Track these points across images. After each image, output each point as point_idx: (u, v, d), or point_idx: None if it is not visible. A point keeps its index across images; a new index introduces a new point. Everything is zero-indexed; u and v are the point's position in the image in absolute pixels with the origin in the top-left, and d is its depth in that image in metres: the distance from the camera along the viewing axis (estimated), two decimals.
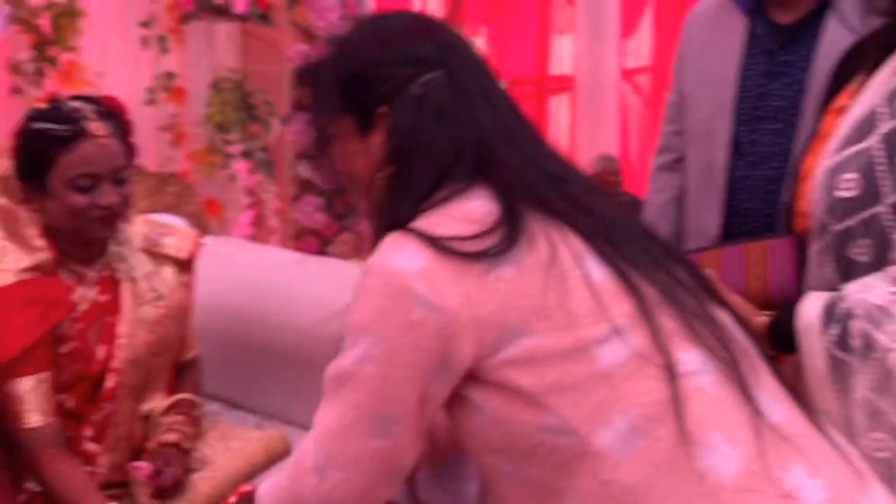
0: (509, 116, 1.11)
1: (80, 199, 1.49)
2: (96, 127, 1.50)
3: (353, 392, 1.01)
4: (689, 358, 0.98)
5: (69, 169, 1.47)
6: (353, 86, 1.10)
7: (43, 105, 1.55)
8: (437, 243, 0.98)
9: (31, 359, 1.48)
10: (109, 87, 2.62)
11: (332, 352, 2.00)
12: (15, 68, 2.26)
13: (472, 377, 1.01)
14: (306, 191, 3.26)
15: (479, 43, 5.51)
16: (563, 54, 6.20)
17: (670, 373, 0.95)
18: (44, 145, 1.48)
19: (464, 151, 1.05)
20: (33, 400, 1.47)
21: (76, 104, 1.53)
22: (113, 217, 1.54)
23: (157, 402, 1.70)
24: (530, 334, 0.97)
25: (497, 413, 1.00)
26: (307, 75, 1.17)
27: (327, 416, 1.05)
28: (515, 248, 0.99)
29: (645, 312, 0.99)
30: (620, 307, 0.99)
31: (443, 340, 0.97)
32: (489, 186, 1.05)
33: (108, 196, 1.51)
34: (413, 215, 1.04)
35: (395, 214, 1.06)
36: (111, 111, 1.57)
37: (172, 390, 1.74)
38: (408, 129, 1.06)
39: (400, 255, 0.99)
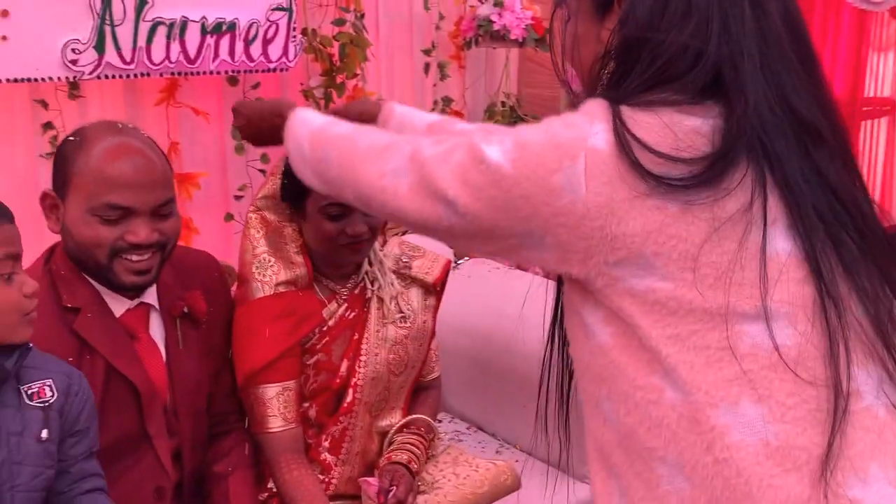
0: (781, 35, 0.90)
1: (330, 227, 1.57)
2: None
3: (470, 166, 0.92)
4: (864, 376, 0.85)
5: (322, 198, 1.56)
6: None
7: None
8: (626, 142, 0.86)
9: (279, 367, 1.58)
10: None
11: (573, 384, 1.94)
12: (306, 94, 2.47)
13: (587, 291, 0.91)
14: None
15: None
16: (884, 74, 5.53)
17: (835, 384, 0.82)
18: None
19: (702, 65, 0.88)
20: (277, 406, 1.57)
21: None
22: (360, 245, 1.60)
23: (393, 420, 1.74)
24: (663, 278, 0.85)
25: (606, 342, 0.90)
26: None
27: (437, 154, 0.95)
28: (701, 191, 0.84)
29: (825, 308, 0.84)
30: (792, 291, 0.84)
31: (557, 222, 0.87)
32: (717, 109, 0.88)
33: (356, 226, 1.57)
34: (631, 97, 0.90)
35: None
36: None
37: (409, 409, 1.78)
38: (644, 21, 0.90)
39: (596, 123, 0.87)
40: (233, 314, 1.62)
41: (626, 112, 0.88)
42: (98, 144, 1.34)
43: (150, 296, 1.46)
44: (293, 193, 1.60)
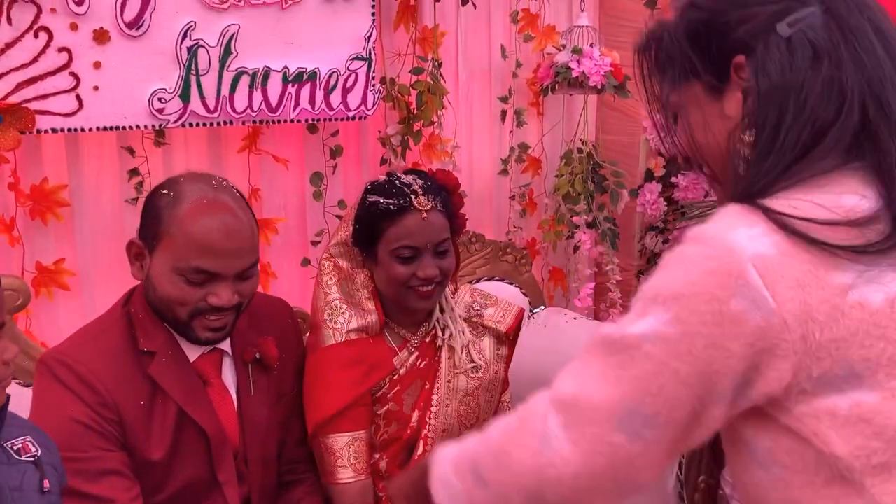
0: None
1: (401, 270, 1.56)
2: (421, 202, 1.56)
3: (619, 366, 0.82)
4: None
5: (393, 241, 1.55)
6: (703, 36, 0.92)
7: (380, 178, 1.66)
8: (792, 227, 0.77)
9: (349, 416, 1.56)
10: (466, 158, 2.78)
11: None
12: (383, 141, 2.49)
13: (768, 418, 0.80)
14: (653, 264, 3.12)
15: None
16: None
17: None
18: (374, 218, 1.58)
19: (849, 105, 0.83)
20: (347, 456, 1.55)
21: (408, 179, 1.61)
22: (430, 292, 1.58)
23: None
24: (872, 388, 0.75)
25: (777, 460, 0.79)
26: (650, 38, 1.00)
27: (577, 379, 0.87)
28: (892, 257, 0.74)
29: None
30: None
31: (755, 350, 0.76)
32: (869, 164, 0.81)
33: (427, 268, 1.56)
34: (770, 188, 0.83)
35: (750, 184, 0.85)
36: (442, 186, 1.63)
37: None
38: (774, 79, 0.85)
39: (742, 230, 0.79)
40: (304, 361, 1.62)
41: (773, 202, 0.80)
42: (190, 204, 1.35)
43: (224, 342, 1.47)
44: (365, 238, 1.60)
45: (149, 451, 1.36)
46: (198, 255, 1.32)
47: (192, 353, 1.43)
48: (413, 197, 1.57)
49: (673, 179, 3.08)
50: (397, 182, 1.61)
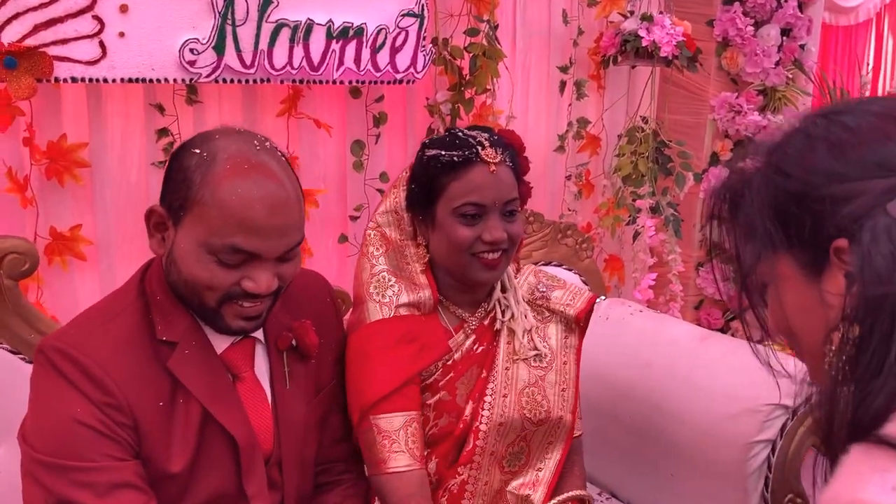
0: None
1: (464, 232, 1.34)
2: (489, 154, 1.35)
3: None
4: None
5: (457, 197, 1.34)
6: (796, 210, 0.76)
7: (439, 134, 1.45)
8: None
9: (405, 394, 1.34)
10: (520, 131, 2.54)
11: (735, 458, 1.63)
12: (431, 109, 2.27)
13: None
14: (715, 255, 2.88)
15: None
16: None
17: None
18: (434, 171, 1.36)
19: None
20: (403, 439, 1.32)
21: (472, 132, 1.39)
22: (496, 261, 1.37)
23: (530, 483, 1.48)
24: None
25: None
26: (727, 191, 0.84)
27: None
28: None
29: None
30: None
31: None
32: None
33: (494, 231, 1.34)
34: (887, 411, 0.67)
35: (862, 405, 0.69)
36: (509, 143, 1.41)
37: (560, 476, 1.50)
38: (885, 276, 0.69)
39: (875, 482, 0.63)
40: (343, 345, 1.41)
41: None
42: (228, 168, 1.10)
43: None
44: (422, 198, 1.38)
45: (168, 462, 1.14)
46: (236, 232, 1.08)
47: (220, 342, 1.20)
48: (480, 148, 1.35)
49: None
50: (460, 134, 1.40)
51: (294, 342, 1.28)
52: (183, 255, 1.11)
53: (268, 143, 1.17)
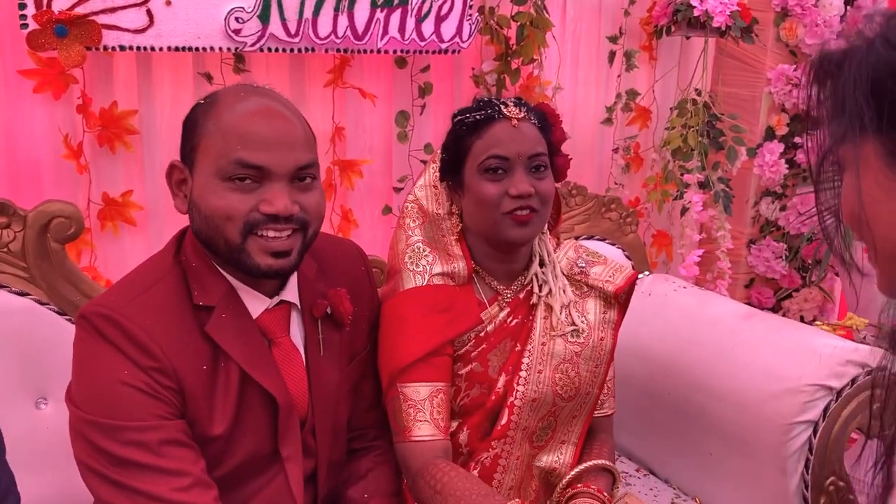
0: None
1: (490, 188, 1.34)
2: (511, 111, 1.36)
3: None
4: None
5: (481, 153, 1.34)
6: (889, 90, 0.70)
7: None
8: None
9: (433, 364, 1.35)
10: (572, 103, 2.52)
11: (775, 438, 1.60)
12: (477, 80, 2.25)
13: None
14: (766, 233, 2.81)
15: None
16: None
17: None
18: (461, 133, 1.38)
19: None
20: (429, 409, 1.33)
21: (493, 99, 1.41)
22: (527, 217, 1.36)
23: (561, 458, 1.48)
24: None
25: None
26: (822, 68, 0.77)
27: None
28: None
29: None
30: None
31: None
32: None
33: (520, 184, 1.33)
34: None
35: None
36: (538, 107, 1.42)
37: (582, 451, 1.50)
38: None
39: None
40: (377, 314, 1.42)
41: None
42: (231, 102, 1.15)
43: (291, 293, 1.26)
44: (452, 165, 1.39)
45: (210, 424, 1.16)
46: (238, 146, 1.10)
47: (256, 307, 1.22)
48: (502, 106, 1.37)
49: (797, 139, 2.76)
50: (486, 98, 1.43)
51: (329, 310, 1.29)
52: (200, 192, 1.14)
53: (267, 87, 1.23)
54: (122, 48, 1.75)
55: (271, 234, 1.14)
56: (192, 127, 1.17)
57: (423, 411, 1.34)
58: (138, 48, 1.77)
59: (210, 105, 1.17)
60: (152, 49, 1.78)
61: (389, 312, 1.39)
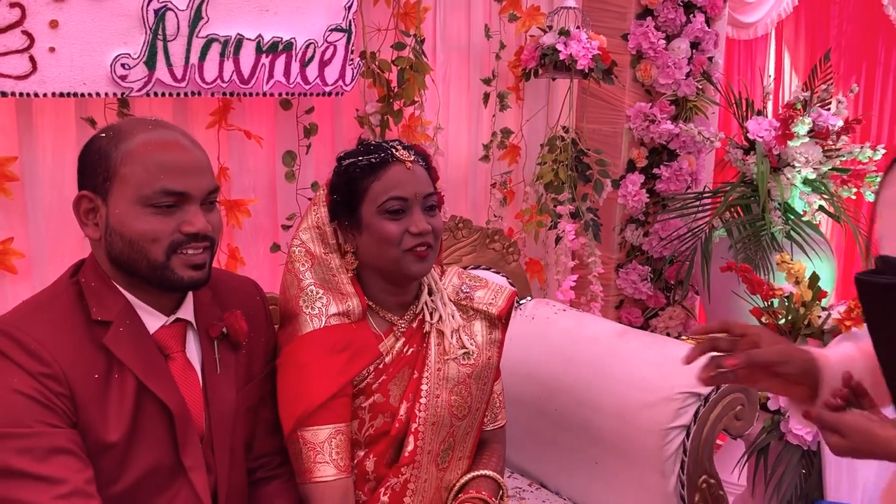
0: None
1: (392, 227, 1.43)
2: (403, 154, 1.47)
3: None
4: None
5: (380, 195, 1.43)
6: None
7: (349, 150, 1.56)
8: None
9: (331, 407, 1.42)
10: (448, 141, 2.64)
11: (653, 444, 1.75)
12: (361, 121, 2.35)
13: None
14: (632, 257, 3.03)
15: None
16: None
17: None
18: (355, 176, 1.46)
19: None
20: (328, 451, 1.40)
21: (380, 143, 1.51)
22: (425, 252, 1.46)
23: (458, 473, 1.57)
24: None
25: None
26: None
27: None
28: None
29: None
30: None
31: None
32: None
33: (419, 223, 1.44)
34: None
35: None
36: (417, 149, 1.54)
37: (473, 462, 1.60)
38: None
39: None
40: (274, 343, 1.47)
41: None
42: (138, 135, 1.24)
43: (187, 311, 1.33)
44: (345, 206, 1.47)
45: (105, 430, 1.20)
46: (162, 175, 1.21)
47: (153, 323, 1.28)
48: (394, 150, 1.47)
49: (655, 171, 3.00)
50: (372, 143, 1.53)
51: (225, 330, 1.35)
52: (121, 219, 1.22)
53: (159, 119, 1.34)
54: (3, 94, 1.73)
55: (191, 251, 1.25)
56: (99, 159, 1.23)
57: (321, 453, 1.41)
58: (20, 94, 1.75)
59: (117, 138, 1.24)
60: (35, 95, 1.77)
61: (289, 358, 1.45)
